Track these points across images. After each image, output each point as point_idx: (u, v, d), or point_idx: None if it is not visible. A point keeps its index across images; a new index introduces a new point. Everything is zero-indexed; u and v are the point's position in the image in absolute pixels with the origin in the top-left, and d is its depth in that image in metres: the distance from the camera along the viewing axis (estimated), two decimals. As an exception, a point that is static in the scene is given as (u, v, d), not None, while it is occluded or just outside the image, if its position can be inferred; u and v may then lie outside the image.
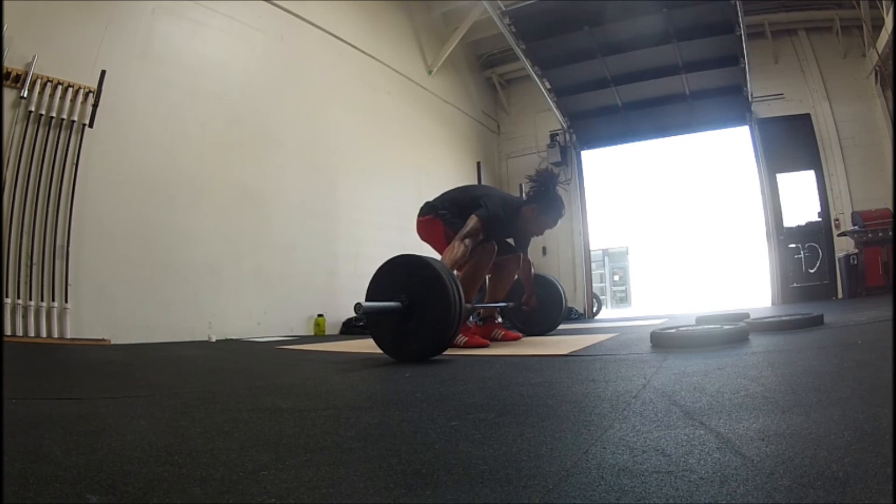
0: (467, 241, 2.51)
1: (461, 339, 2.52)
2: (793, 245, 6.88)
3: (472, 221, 2.57)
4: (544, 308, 3.39)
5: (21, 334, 2.88)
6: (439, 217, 2.74)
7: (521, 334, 3.12)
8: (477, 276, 2.68)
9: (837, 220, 6.57)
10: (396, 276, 2.04)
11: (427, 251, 2.60)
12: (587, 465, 0.66)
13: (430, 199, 2.93)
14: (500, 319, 3.22)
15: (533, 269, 3.29)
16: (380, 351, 2.09)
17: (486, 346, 2.56)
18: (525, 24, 6.01)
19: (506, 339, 2.91)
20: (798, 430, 0.75)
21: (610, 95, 7.19)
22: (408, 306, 1.98)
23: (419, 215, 2.88)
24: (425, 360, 1.98)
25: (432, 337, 1.96)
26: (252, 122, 4.44)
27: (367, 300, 2.01)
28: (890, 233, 5.48)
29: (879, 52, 5.68)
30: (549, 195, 2.84)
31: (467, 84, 8.10)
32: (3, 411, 1.01)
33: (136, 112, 3.60)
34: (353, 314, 4.97)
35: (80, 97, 3.24)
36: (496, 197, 2.79)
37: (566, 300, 3.59)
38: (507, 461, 0.69)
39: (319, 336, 4.52)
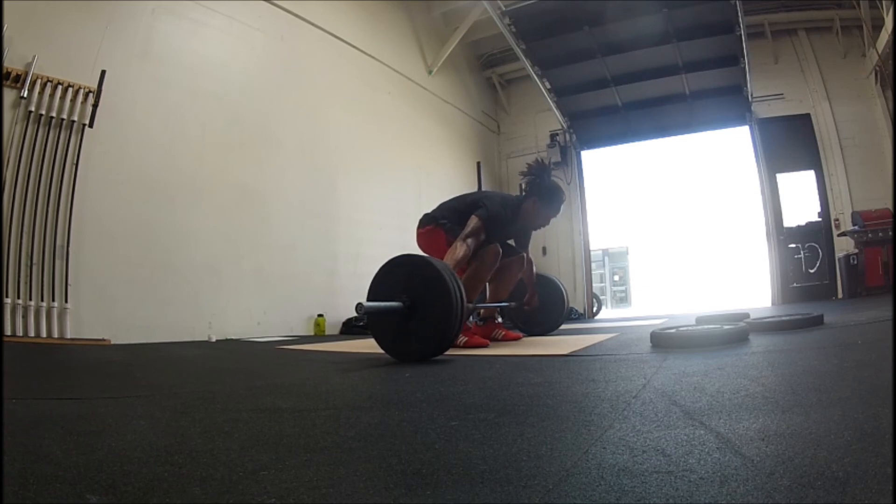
0: (469, 240, 2.50)
1: (461, 339, 2.52)
2: (793, 245, 6.88)
3: (473, 221, 2.57)
4: (546, 308, 3.39)
5: (21, 334, 2.88)
6: (440, 226, 2.73)
7: (521, 334, 3.11)
8: (479, 279, 2.68)
9: (837, 220, 6.57)
10: (398, 276, 2.04)
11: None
12: (587, 465, 0.66)
13: (430, 203, 2.93)
14: (500, 319, 3.22)
15: (535, 269, 3.29)
16: (380, 351, 2.09)
17: (486, 346, 2.56)
18: (525, 24, 6.01)
19: (506, 340, 2.91)
20: (798, 430, 0.75)
21: (610, 95, 7.19)
22: (409, 306, 1.97)
23: (419, 227, 2.87)
24: (426, 360, 1.98)
25: (434, 337, 1.96)
26: (252, 122, 4.44)
27: (368, 300, 2.01)
28: (890, 233, 5.48)
29: (879, 52, 5.68)
30: (545, 185, 2.85)
31: (467, 84, 8.10)
32: (3, 411, 1.01)
33: (136, 112, 3.60)
34: (353, 314, 4.98)
35: (80, 97, 3.24)
36: (495, 197, 2.79)
37: (568, 300, 3.58)
38: (507, 461, 0.69)
39: (319, 336, 4.52)
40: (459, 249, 2.44)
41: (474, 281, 2.64)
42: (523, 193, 2.97)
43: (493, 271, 2.77)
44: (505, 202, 2.79)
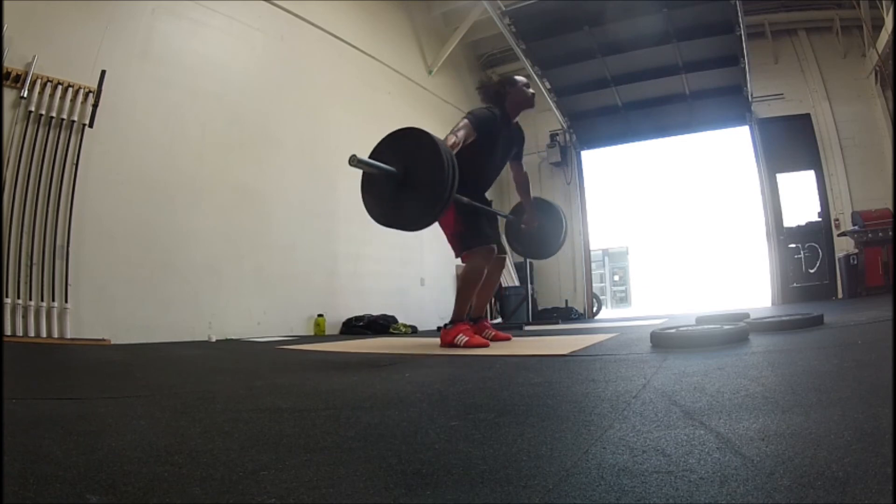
0: (459, 133, 2.53)
1: (461, 339, 2.51)
2: (793, 245, 6.88)
3: (461, 122, 2.59)
4: (545, 230, 3.35)
5: (21, 334, 2.88)
6: None
7: (510, 335, 3.09)
8: (473, 286, 2.71)
9: (837, 220, 6.57)
10: (395, 149, 2.08)
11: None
12: (587, 465, 0.66)
13: None
14: (499, 319, 3.22)
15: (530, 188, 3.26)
16: (380, 351, 2.09)
17: (485, 346, 2.56)
18: (525, 24, 6.01)
19: (496, 340, 2.89)
20: (798, 430, 0.75)
21: (610, 95, 7.19)
22: (403, 174, 2.02)
23: None
24: (417, 227, 2.08)
25: (425, 203, 2.01)
26: (252, 122, 4.44)
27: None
28: (890, 233, 5.47)
29: (879, 52, 5.68)
30: (501, 78, 2.97)
31: (467, 84, 8.10)
32: (3, 411, 1.01)
33: (136, 112, 3.60)
34: (353, 314, 4.99)
35: (80, 97, 3.24)
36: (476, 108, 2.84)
37: (567, 225, 3.51)
38: (507, 461, 0.69)
39: (319, 336, 4.52)
40: (450, 140, 2.46)
41: (466, 288, 2.66)
42: (495, 99, 2.95)
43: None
44: (488, 108, 2.81)
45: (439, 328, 5.67)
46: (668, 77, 6.73)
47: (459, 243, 2.72)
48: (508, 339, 2.94)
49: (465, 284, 2.71)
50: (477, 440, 0.80)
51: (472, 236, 2.69)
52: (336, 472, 0.67)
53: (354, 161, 1.90)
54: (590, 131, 7.91)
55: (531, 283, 6.82)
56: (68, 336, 3.06)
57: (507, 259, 3.16)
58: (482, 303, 3.01)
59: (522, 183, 3.17)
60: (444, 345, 2.58)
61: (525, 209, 3.27)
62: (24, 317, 2.93)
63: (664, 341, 2.02)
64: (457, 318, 2.64)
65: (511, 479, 0.62)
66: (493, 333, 2.93)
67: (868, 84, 6.42)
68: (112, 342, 3.12)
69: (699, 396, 1.03)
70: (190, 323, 3.74)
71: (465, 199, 2.60)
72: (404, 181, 2.02)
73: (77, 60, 3.27)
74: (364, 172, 2.12)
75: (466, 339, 2.53)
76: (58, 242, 3.10)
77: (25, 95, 2.99)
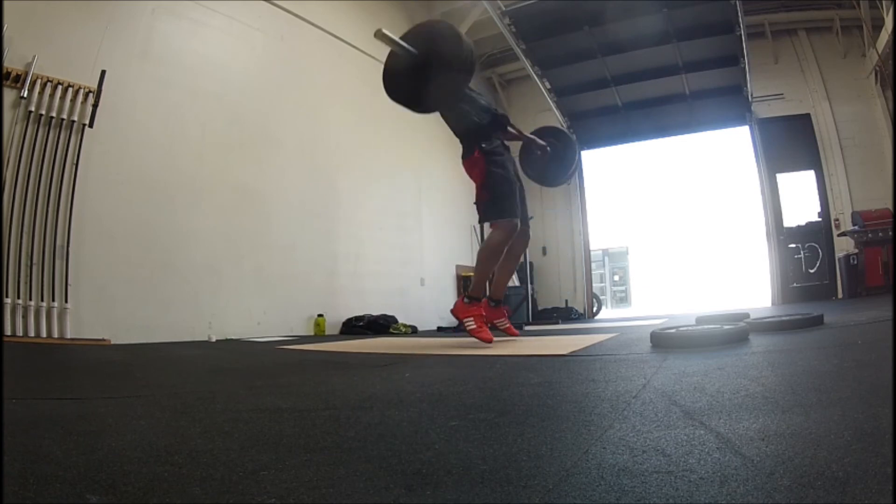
0: None
1: (470, 323, 2.48)
2: (793, 245, 6.88)
3: None
4: (558, 155, 3.36)
5: (21, 334, 2.88)
6: (480, 152, 2.71)
7: (518, 332, 3.09)
8: (494, 259, 2.68)
9: (837, 220, 6.57)
10: (420, 36, 2.26)
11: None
12: (587, 465, 0.66)
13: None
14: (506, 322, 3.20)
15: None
16: (380, 351, 2.09)
17: (489, 341, 2.55)
18: (525, 24, 6.01)
19: (506, 333, 2.88)
20: (798, 430, 0.75)
21: (610, 95, 7.19)
22: (424, 58, 2.15)
23: (463, 158, 2.82)
24: (432, 106, 2.28)
25: (444, 83, 2.15)
26: (252, 122, 4.44)
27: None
28: (890, 233, 5.47)
29: (879, 52, 5.68)
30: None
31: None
32: (3, 411, 1.01)
33: (136, 112, 3.60)
34: (352, 314, 4.99)
35: (80, 97, 3.24)
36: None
37: (579, 151, 3.58)
38: (507, 461, 0.69)
39: (319, 336, 4.52)
40: None
41: (487, 261, 2.64)
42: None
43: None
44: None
45: (439, 328, 5.65)
46: (668, 77, 6.73)
47: (485, 210, 2.68)
48: (516, 334, 2.94)
49: (488, 256, 2.64)
50: (477, 440, 0.80)
51: (500, 206, 2.62)
52: (336, 472, 0.67)
53: (380, 34, 1.98)
54: (590, 131, 7.90)
55: (531, 283, 6.83)
56: (68, 336, 3.06)
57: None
58: (504, 279, 2.94)
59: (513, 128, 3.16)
60: (453, 313, 2.58)
61: (528, 140, 3.27)
62: (24, 317, 2.93)
63: (664, 341, 2.02)
64: (475, 295, 2.58)
65: (511, 479, 0.62)
66: (506, 326, 2.91)
67: (868, 84, 6.42)
68: (112, 342, 3.12)
69: (699, 396, 1.03)
70: (190, 323, 3.74)
71: (482, 99, 2.66)
72: (425, 64, 2.14)
73: (77, 60, 3.27)
74: (390, 52, 2.25)
75: (474, 326, 2.50)
76: (58, 242, 3.10)
77: (25, 95, 2.99)
